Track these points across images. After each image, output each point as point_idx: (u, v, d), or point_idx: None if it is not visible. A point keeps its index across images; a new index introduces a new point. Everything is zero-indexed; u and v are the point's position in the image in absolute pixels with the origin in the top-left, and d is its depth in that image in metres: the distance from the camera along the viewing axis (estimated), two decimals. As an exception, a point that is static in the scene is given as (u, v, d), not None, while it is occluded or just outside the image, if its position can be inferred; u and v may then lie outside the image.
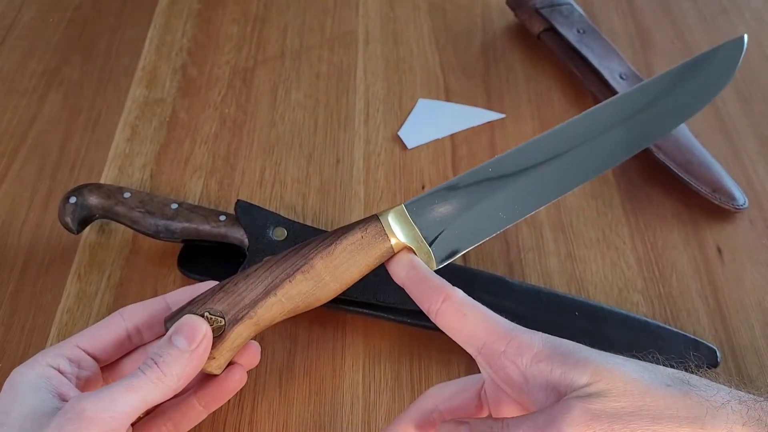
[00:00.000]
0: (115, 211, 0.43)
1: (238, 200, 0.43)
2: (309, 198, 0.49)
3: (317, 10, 0.62)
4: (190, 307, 0.33)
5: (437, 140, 0.52)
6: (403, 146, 0.52)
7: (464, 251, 0.36)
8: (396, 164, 0.51)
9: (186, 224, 0.43)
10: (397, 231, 0.35)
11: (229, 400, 0.39)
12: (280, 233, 0.42)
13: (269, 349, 0.42)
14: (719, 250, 0.46)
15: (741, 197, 0.47)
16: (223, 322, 0.33)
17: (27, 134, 0.53)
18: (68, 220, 0.43)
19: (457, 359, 0.41)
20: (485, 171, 0.37)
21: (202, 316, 0.33)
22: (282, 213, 0.47)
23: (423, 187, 0.49)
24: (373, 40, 0.60)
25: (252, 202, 0.44)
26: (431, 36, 0.60)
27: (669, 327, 0.42)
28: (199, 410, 0.35)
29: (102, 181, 0.50)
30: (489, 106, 0.54)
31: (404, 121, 0.53)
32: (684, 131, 0.50)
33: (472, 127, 0.53)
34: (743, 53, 0.40)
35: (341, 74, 0.57)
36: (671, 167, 0.48)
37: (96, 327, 0.34)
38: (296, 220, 0.44)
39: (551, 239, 0.47)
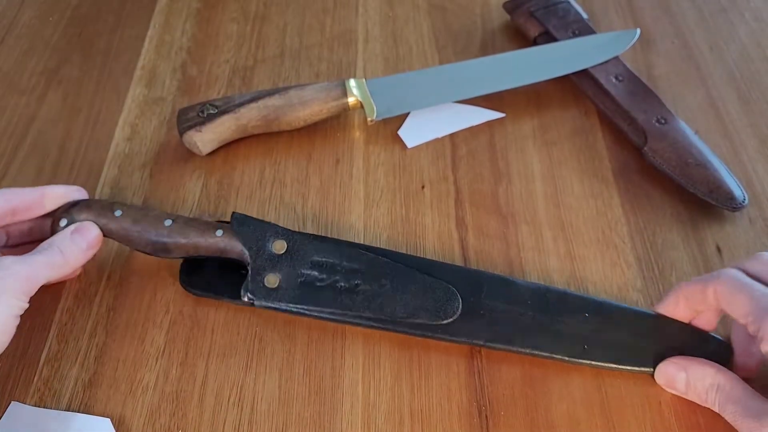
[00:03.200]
0: (108, 230, 0.42)
1: (233, 213, 0.42)
2: (309, 198, 0.49)
3: (317, 9, 0.62)
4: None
5: (437, 139, 0.52)
6: (403, 146, 0.52)
7: (398, 113, 0.52)
8: (396, 164, 0.51)
9: (182, 241, 0.42)
10: (354, 90, 0.51)
11: (229, 399, 0.40)
12: (279, 246, 0.41)
13: (269, 349, 0.42)
14: (719, 249, 0.46)
15: (740, 194, 0.47)
16: (215, 111, 0.49)
17: (26, 133, 0.53)
18: None
19: (457, 360, 0.41)
20: (433, 74, 0.54)
21: (204, 105, 0.49)
22: (281, 213, 0.47)
23: (423, 187, 0.49)
24: (373, 39, 0.60)
25: (248, 215, 0.43)
26: (431, 35, 0.60)
27: (681, 322, 0.41)
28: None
29: (101, 181, 0.50)
30: (488, 106, 0.54)
31: (404, 121, 0.53)
32: (681, 128, 0.50)
33: (472, 127, 0.53)
34: (633, 41, 0.55)
35: (341, 73, 0.57)
36: (667, 171, 0.48)
37: None
38: (296, 226, 0.43)
39: (551, 238, 0.47)
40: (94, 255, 0.42)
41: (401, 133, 0.53)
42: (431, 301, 0.40)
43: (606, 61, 0.54)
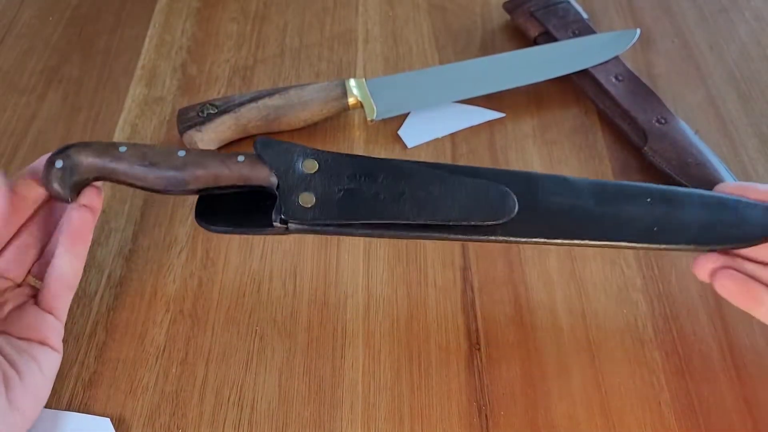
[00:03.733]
0: (111, 170, 0.38)
1: (256, 137, 0.38)
2: (309, 197, 0.49)
3: (317, 9, 0.62)
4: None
5: (437, 139, 0.52)
6: (403, 145, 0.52)
7: (398, 113, 0.52)
8: (396, 163, 0.51)
9: (200, 171, 0.38)
10: (354, 90, 0.51)
11: (229, 399, 0.40)
12: (311, 165, 0.37)
13: (269, 348, 0.42)
14: (719, 249, 0.46)
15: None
16: (216, 111, 0.49)
17: (26, 133, 0.53)
18: (56, 187, 0.37)
19: (457, 359, 0.41)
20: (433, 74, 0.54)
21: (204, 105, 0.49)
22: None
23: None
24: (373, 39, 0.60)
25: (270, 138, 0.39)
26: (431, 35, 0.60)
27: (745, 199, 0.39)
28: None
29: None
30: (488, 106, 0.54)
31: (404, 121, 0.53)
32: (681, 128, 0.50)
33: (472, 126, 0.53)
34: (633, 41, 0.55)
35: (341, 73, 0.57)
36: (667, 170, 0.48)
37: None
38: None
39: (551, 238, 0.47)
40: (96, 251, 0.41)
41: (401, 132, 0.53)
42: (485, 201, 0.37)
43: (606, 61, 0.54)
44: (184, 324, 0.43)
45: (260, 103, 0.50)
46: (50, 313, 0.38)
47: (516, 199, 0.38)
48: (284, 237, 0.46)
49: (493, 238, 0.37)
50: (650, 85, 0.53)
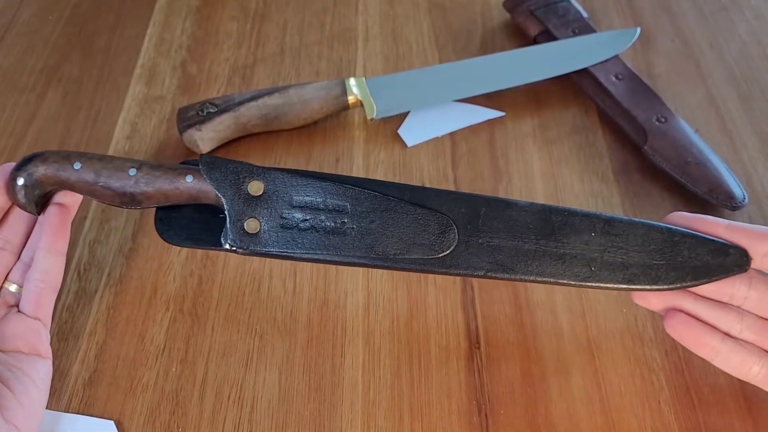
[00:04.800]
0: (70, 185, 0.39)
1: (201, 156, 0.39)
2: (309, 196, 0.49)
3: (317, 8, 0.62)
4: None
5: (437, 138, 0.52)
6: (403, 144, 0.52)
7: (398, 112, 0.52)
8: (396, 162, 0.51)
9: (150, 191, 0.39)
10: (354, 89, 0.51)
11: (229, 397, 0.40)
12: (256, 188, 0.38)
13: (269, 347, 0.42)
14: (718, 249, 0.46)
15: (740, 193, 0.47)
16: (215, 110, 0.49)
17: (26, 132, 0.53)
18: (22, 201, 0.39)
19: (456, 357, 0.41)
20: (433, 72, 0.54)
21: (204, 104, 0.49)
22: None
23: (423, 186, 0.49)
24: (373, 38, 0.60)
25: (217, 156, 0.39)
26: (431, 34, 0.60)
27: (695, 233, 0.38)
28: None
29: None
30: (488, 105, 0.54)
31: (404, 120, 0.53)
32: (681, 127, 0.50)
33: (472, 125, 0.53)
34: (634, 39, 0.55)
35: (341, 71, 0.57)
36: (667, 169, 0.48)
37: None
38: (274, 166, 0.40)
39: (551, 237, 0.47)
40: (97, 250, 0.42)
41: (401, 131, 0.53)
42: (425, 234, 0.38)
43: (606, 60, 0.54)
44: (184, 323, 0.43)
45: (260, 101, 0.50)
46: (36, 318, 0.37)
47: (457, 231, 0.38)
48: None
49: (430, 269, 0.38)
50: (650, 84, 0.53)
